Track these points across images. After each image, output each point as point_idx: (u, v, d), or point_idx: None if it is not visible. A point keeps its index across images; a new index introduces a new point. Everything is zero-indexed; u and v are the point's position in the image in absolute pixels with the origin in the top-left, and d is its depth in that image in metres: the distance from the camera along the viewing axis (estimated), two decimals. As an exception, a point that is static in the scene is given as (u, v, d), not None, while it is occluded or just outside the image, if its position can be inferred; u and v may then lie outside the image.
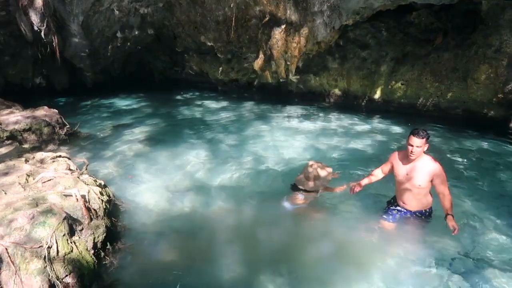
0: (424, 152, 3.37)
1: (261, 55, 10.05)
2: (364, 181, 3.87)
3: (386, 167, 3.79)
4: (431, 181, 3.29)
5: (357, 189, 3.79)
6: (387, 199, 4.00)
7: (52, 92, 11.57)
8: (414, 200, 3.47)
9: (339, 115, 9.23)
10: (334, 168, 5.22)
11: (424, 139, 3.19)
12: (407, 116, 8.65)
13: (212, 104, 10.99)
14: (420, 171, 3.30)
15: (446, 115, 8.36)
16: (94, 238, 3.40)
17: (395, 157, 3.61)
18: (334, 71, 10.04)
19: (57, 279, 2.80)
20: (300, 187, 4.00)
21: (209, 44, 11.26)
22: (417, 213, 3.57)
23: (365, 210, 4.30)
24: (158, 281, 3.28)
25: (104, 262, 3.38)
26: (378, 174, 3.91)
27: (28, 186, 3.92)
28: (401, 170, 3.45)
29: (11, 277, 2.66)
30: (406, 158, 3.41)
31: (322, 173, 3.98)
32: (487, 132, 7.41)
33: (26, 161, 4.75)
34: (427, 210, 3.57)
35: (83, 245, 3.27)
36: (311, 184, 3.93)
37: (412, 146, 3.22)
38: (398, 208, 3.69)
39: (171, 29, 11.72)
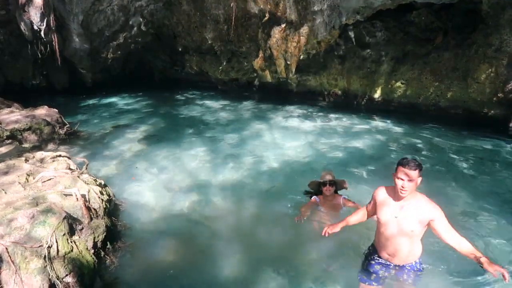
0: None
1: (261, 55, 10.06)
2: (342, 224, 3.09)
3: (371, 207, 3.00)
4: (427, 225, 2.63)
5: (331, 230, 3.02)
6: (363, 251, 3.17)
7: (52, 91, 11.57)
8: (403, 250, 2.74)
9: (339, 114, 9.23)
10: (334, 167, 5.23)
11: (417, 170, 2.52)
12: (407, 115, 8.66)
13: (212, 104, 10.99)
14: (414, 212, 2.61)
15: (446, 115, 8.36)
16: (94, 238, 3.41)
17: (379, 194, 2.86)
18: (334, 70, 10.03)
19: (57, 279, 2.80)
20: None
21: (209, 43, 11.26)
22: (407, 267, 2.82)
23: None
24: (158, 280, 3.29)
25: (104, 261, 3.39)
26: (360, 214, 3.12)
27: (28, 185, 3.93)
28: (387, 211, 2.73)
29: (11, 277, 2.66)
30: (394, 195, 2.72)
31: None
32: (487, 131, 7.40)
33: (26, 160, 4.75)
34: (417, 261, 2.84)
35: (83, 244, 3.27)
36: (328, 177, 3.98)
37: (402, 180, 2.54)
38: (381, 261, 2.89)
39: (171, 28, 11.72)
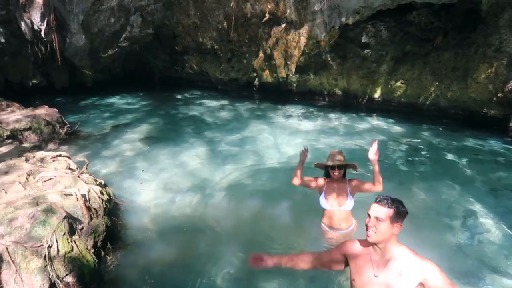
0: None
1: (261, 54, 10.06)
2: (279, 259, 2.42)
3: (333, 254, 2.34)
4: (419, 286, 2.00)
5: (260, 263, 2.36)
6: None
7: (52, 91, 11.58)
8: None
9: (339, 114, 9.24)
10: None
11: (390, 210, 2.00)
12: (407, 115, 8.67)
13: (212, 103, 10.99)
14: (402, 269, 2.01)
15: (446, 115, 8.37)
16: (95, 237, 3.42)
17: (349, 246, 2.27)
18: (334, 70, 10.04)
19: (58, 278, 2.81)
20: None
21: (209, 43, 11.26)
22: None
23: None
24: (158, 279, 3.29)
25: (104, 261, 3.39)
26: (306, 257, 2.41)
27: (28, 185, 3.94)
28: (363, 267, 2.14)
29: (12, 276, 2.67)
30: (371, 248, 2.14)
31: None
32: (487, 131, 7.41)
33: (27, 160, 4.76)
34: None
35: (84, 244, 3.28)
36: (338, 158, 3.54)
37: (369, 217, 2.06)
38: None
39: (171, 28, 11.72)
